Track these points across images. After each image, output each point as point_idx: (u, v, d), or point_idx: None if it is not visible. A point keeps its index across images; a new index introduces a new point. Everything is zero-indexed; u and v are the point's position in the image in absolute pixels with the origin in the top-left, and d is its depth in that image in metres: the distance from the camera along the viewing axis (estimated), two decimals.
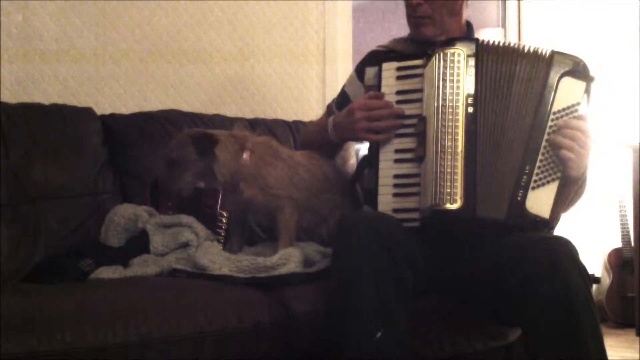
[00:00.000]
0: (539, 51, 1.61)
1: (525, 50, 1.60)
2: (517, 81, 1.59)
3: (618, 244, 3.68)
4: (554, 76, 1.59)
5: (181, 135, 1.80)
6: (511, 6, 3.84)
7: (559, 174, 1.57)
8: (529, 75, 1.59)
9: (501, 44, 1.61)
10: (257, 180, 1.80)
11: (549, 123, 1.58)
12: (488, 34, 3.51)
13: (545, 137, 1.57)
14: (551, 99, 1.58)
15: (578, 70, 1.61)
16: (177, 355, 1.41)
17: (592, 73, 1.62)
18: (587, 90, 1.61)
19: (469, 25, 1.92)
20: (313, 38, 2.89)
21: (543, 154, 1.57)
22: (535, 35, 3.70)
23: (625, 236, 3.63)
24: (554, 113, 1.58)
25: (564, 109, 1.59)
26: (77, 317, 1.35)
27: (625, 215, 3.62)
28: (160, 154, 1.83)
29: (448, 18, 1.82)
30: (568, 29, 3.72)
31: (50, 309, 1.36)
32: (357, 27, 3.43)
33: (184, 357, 1.42)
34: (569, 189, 1.62)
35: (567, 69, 1.60)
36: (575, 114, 1.59)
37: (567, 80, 1.59)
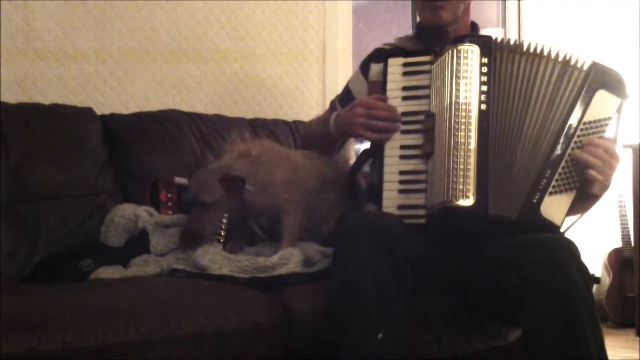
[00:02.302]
0: (574, 58, 1.59)
1: (552, 54, 1.59)
2: (540, 83, 1.57)
3: (618, 244, 3.68)
4: (590, 87, 1.57)
5: (205, 177, 1.76)
6: (511, 6, 3.84)
7: (578, 184, 1.56)
8: (557, 80, 1.57)
9: (517, 43, 1.60)
10: (269, 188, 1.80)
11: (578, 132, 1.56)
12: (488, 34, 3.50)
13: (572, 145, 1.56)
14: (583, 109, 1.57)
15: (616, 86, 1.59)
16: (177, 355, 1.41)
17: (628, 91, 1.60)
18: (620, 108, 1.59)
19: (474, 25, 1.92)
20: (313, 38, 2.89)
21: (567, 162, 1.56)
22: (535, 35, 3.69)
23: (625, 236, 3.63)
24: (584, 123, 1.57)
25: (595, 121, 1.57)
26: (77, 317, 1.35)
27: (625, 215, 3.62)
28: (185, 196, 1.81)
29: (462, 7, 1.82)
30: (568, 29, 3.72)
31: (50, 309, 1.36)
32: (357, 27, 3.43)
33: (184, 357, 1.42)
34: (586, 203, 1.61)
35: (605, 82, 1.58)
36: (605, 129, 1.58)
37: (603, 93, 1.57)
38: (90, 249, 1.87)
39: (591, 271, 1.49)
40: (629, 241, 3.60)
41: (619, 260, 3.66)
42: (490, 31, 3.70)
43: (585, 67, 1.59)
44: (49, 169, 1.99)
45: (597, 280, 3.53)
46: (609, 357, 1.44)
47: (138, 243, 1.88)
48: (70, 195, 2.02)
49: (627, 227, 3.61)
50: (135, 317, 1.39)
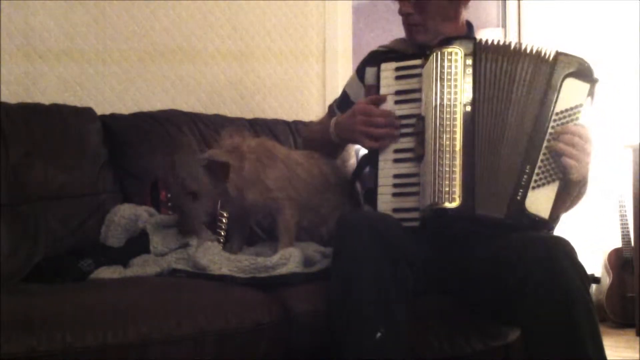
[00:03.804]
0: (543, 51, 1.60)
1: (528, 50, 1.60)
2: (519, 80, 1.59)
3: (618, 244, 3.68)
4: (557, 77, 1.59)
5: (189, 166, 1.76)
6: (511, 6, 3.84)
7: (560, 175, 1.57)
8: (531, 75, 1.59)
9: (502, 44, 1.61)
10: (257, 185, 1.80)
11: (551, 123, 1.57)
12: (488, 34, 3.51)
13: (547, 137, 1.57)
14: (554, 100, 1.58)
15: (582, 72, 1.60)
16: (177, 355, 1.41)
17: (596, 75, 1.61)
18: (591, 92, 1.61)
19: (469, 25, 1.92)
20: (313, 38, 2.89)
21: (544, 154, 1.57)
22: (535, 35, 3.70)
23: (625, 236, 3.63)
24: (557, 114, 1.58)
25: (566, 110, 1.59)
26: (77, 317, 1.35)
27: (625, 215, 3.62)
28: (175, 185, 1.79)
29: (443, 23, 1.82)
30: (568, 29, 3.72)
31: (50, 309, 1.36)
32: (357, 27, 3.43)
33: (184, 357, 1.42)
34: (570, 192, 1.62)
35: (571, 70, 1.59)
36: (578, 115, 1.59)
37: (570, 81, 1.59)
38: (90, 249, 1.87)
39: (591, 271, 1.49)
40: (629, 241, 3.60)
41: (619, 260, 3.66)
42: (490, 31, 3.72)
43: (550, 58, 1.60)
44: (49, 169, 1.99)
45: (596, 280, 3.53)
46: (609, 357, 1.44)
47: (138, 243, 1.88)
48: (70, 195, 2.02)
49: (627, 227, 3.61)
50: (135, 317, 1.39)
